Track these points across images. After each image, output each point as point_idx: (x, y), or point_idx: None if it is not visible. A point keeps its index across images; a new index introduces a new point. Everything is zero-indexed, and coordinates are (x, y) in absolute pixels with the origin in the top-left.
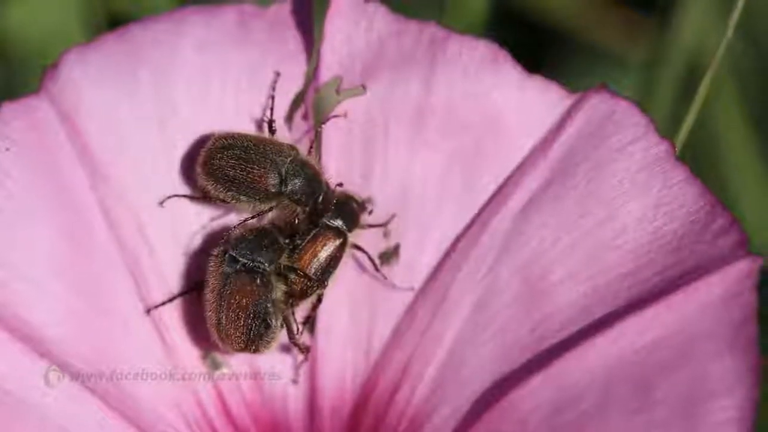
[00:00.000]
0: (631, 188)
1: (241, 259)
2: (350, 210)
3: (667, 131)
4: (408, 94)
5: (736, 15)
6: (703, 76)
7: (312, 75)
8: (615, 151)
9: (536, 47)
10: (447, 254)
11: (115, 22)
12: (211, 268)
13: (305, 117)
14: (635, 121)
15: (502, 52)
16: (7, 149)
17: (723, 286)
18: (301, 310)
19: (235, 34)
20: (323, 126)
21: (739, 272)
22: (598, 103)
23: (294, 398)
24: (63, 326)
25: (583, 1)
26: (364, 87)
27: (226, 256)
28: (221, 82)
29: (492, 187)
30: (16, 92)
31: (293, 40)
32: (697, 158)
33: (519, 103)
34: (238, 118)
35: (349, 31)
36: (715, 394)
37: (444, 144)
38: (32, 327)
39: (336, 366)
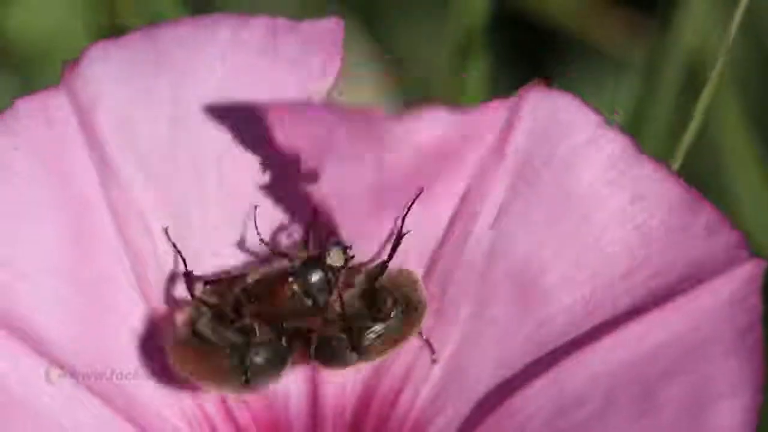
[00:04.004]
0: (602, 188)
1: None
2: None
3: (668, 132)
4: (363, 181)
5: (738, 16)
6: (705, 78)
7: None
8: (575, 151)
9: (536, 48)
10: (433, 262)
11: (118, 22)
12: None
13: None
14: (585, 116)
15: (443, 110)
16: (17, 146)
17: (729, 290)
18: None
19: (263, 46)
20: None
21: (744, 275)
22: (539, 100)
23: (296, 399)
24: (64, 325)
25: (583, 1)
26: (316, 174)
27: None
28: (241, 93)
29: (455, 196)
30: (19, 92)
31: (321, 59)
32: (699, 160)
33: (463, 134)
34: (254, 130)
35: (294, 126)
36: (721, 397)
37: (402, 193)
38: (33, 325)
39: None
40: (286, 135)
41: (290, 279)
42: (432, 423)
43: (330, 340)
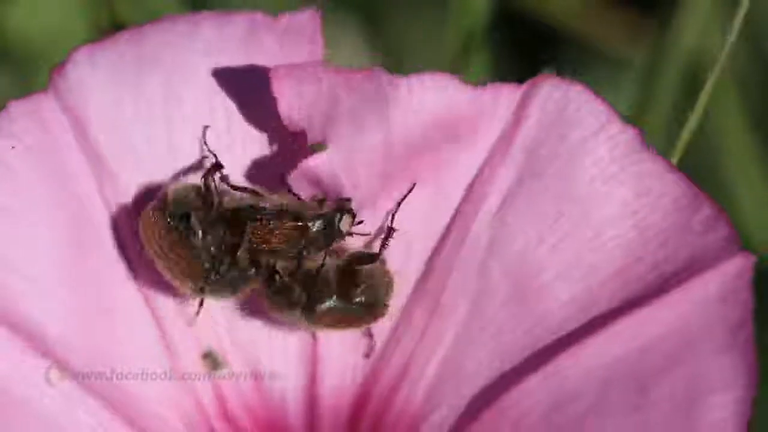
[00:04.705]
0: (604, 183)
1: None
2: None
3: (668, 133)
4: (371, 143)
5: (739, 17)
6: (705, 78)
7: None
8: (580, 144)
9: (536, 47)
10: (435, 255)
11: (118, 22)
12: None
13: None
14: (594, 108)
15: (447, 77)
16: (13, 147)
17: (719, 283)
18: None
19: (245, 42)
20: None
21: (734, 269)
22: (550, 91)
23: (293, 398)
24: (64, 325)
25: (583, 1)
26: (325, 141)
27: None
28: (229, 87)
29: (462, 186)
30: (19, 92)
31: (303, 51)
32: (698, 160)
33: (472, 111)
34: (242, 126)
35: (297, 88)
36: (714, 391)
37: (411, 166)
38: (33, 325)
39: (335, 367)
40: (288, 104)
41: (298, 222)
42: (429, 419)
43: (292, 289)
